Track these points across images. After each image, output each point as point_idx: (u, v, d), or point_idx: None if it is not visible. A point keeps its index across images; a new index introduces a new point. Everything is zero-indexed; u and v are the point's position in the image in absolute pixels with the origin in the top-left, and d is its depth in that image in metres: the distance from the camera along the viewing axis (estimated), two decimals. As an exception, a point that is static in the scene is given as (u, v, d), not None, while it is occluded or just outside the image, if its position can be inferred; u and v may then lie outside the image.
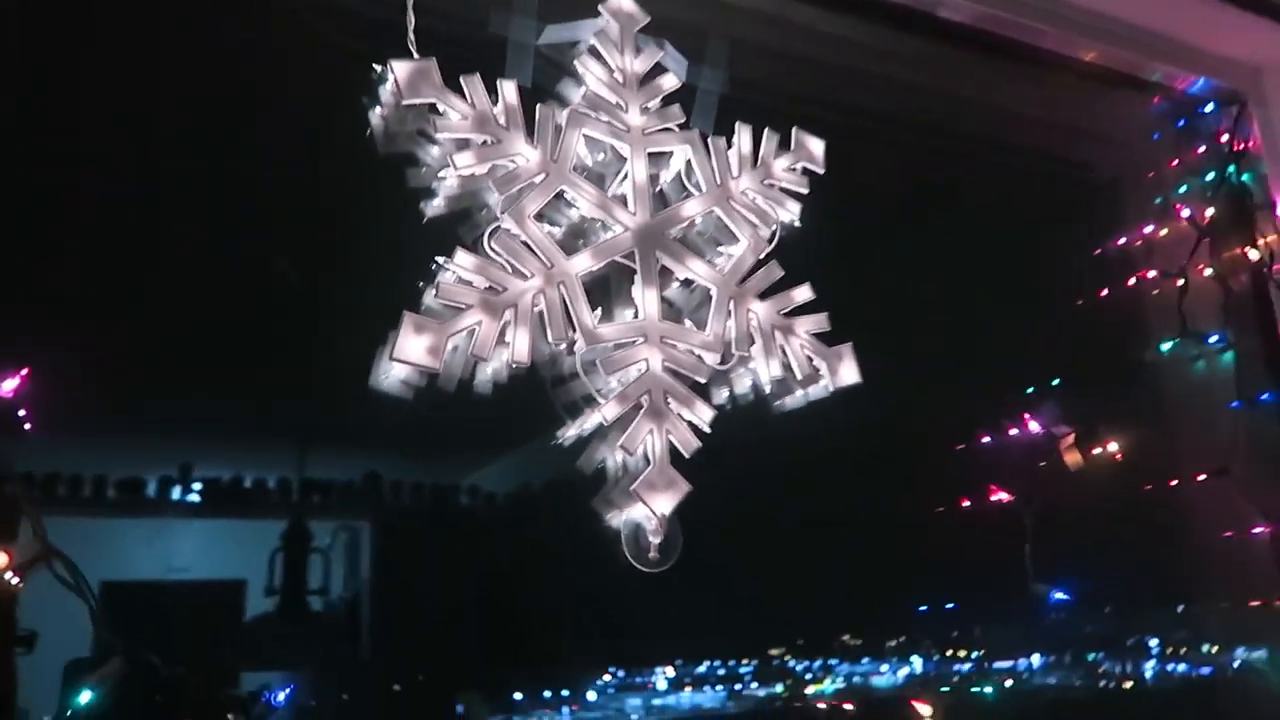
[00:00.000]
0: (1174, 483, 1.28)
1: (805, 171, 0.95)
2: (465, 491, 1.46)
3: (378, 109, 0.81)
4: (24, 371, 0.77)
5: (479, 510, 1.44)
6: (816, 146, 0.96)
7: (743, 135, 0.92)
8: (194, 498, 1.50)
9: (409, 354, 0.74)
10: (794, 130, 0.95)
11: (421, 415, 0.94)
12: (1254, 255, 1.32)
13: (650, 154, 0.88)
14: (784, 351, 0.88)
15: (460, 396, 0.79)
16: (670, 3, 0.95)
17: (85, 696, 0.86)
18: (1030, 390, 1.11)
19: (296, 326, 1.18)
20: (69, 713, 0.85)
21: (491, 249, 0.78)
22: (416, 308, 0.76)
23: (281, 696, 1.12)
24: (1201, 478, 1.26)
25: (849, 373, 0.90)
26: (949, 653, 0.98)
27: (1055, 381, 1.15)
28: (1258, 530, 1.24)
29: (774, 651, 1.14)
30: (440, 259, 0.78)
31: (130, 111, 0.92)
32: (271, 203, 0.93)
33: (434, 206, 0.83)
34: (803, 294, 0.90)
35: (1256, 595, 1.21)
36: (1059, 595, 0.92)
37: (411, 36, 0.80)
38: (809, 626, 0.96)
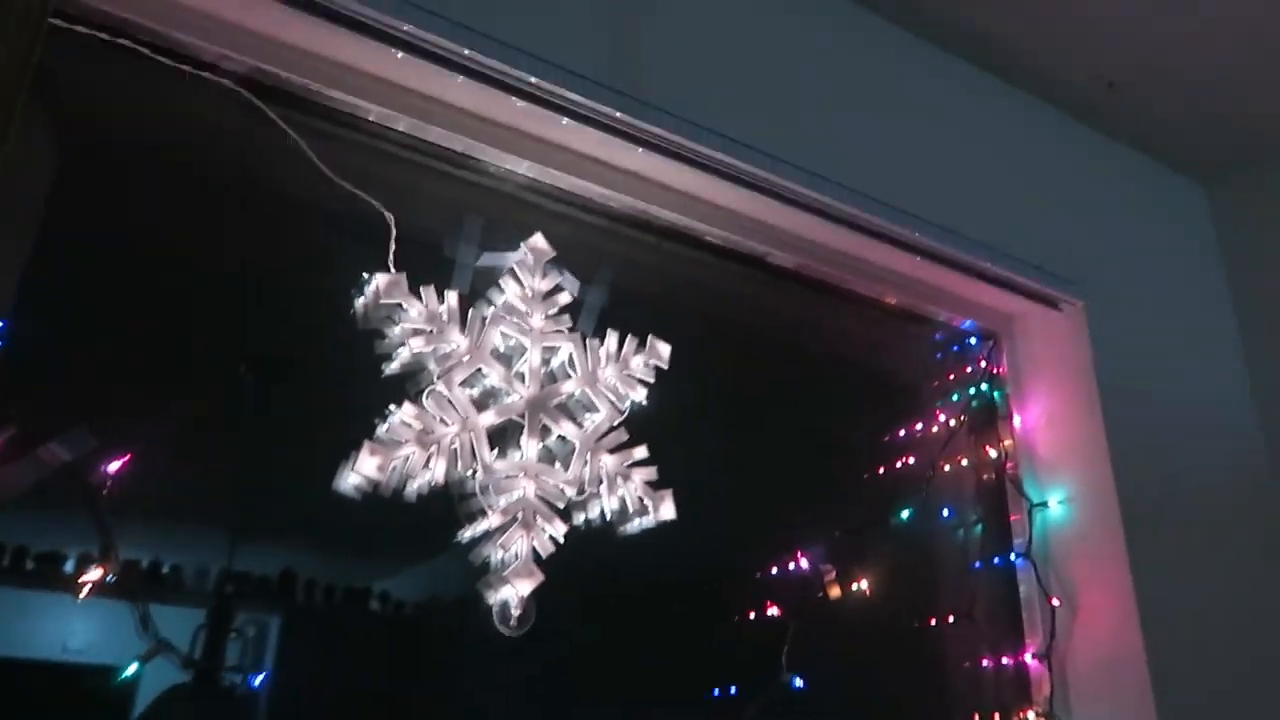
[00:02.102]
0: (932, 621, 1.69)
1: (654, 367, 1.36)
2: (376, 596, 1.59)
3: (362, 299, 1.19)
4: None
5: (387, 615, 1.59)
6: (664, 349, 1.36)
7: (610, 339, 1.33)
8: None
9: (364, 469, 1.10)
10: (649, 337, 1.36)
11: (341, 522, 1.26)
12: (993, 454, 1.77)
13: (545, 347, 1.28)
14: (622, 491, 1.27)
15: (382, 509, 1.13)
16: (573, 239, 1.37)
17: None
18: (812, 537, 1.51)
19: (249, 435, 1.46)
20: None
21: (426, 403, 1.16)
22: (371, 435, 1.13)
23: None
24: (951, 620, 1.67)
25: (668, 510, 1.28)
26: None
27: (834, 533, 1.54)
28: (986, 662, 1.64)
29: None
30: (391, 406, 1.15)
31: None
32: (272, 346, 1.28)
33: (391, 368, 1.20)
34: (640, 452, 1.28)
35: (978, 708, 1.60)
36: (798, 682, 1.31)
37: (391, 256, 1.20)
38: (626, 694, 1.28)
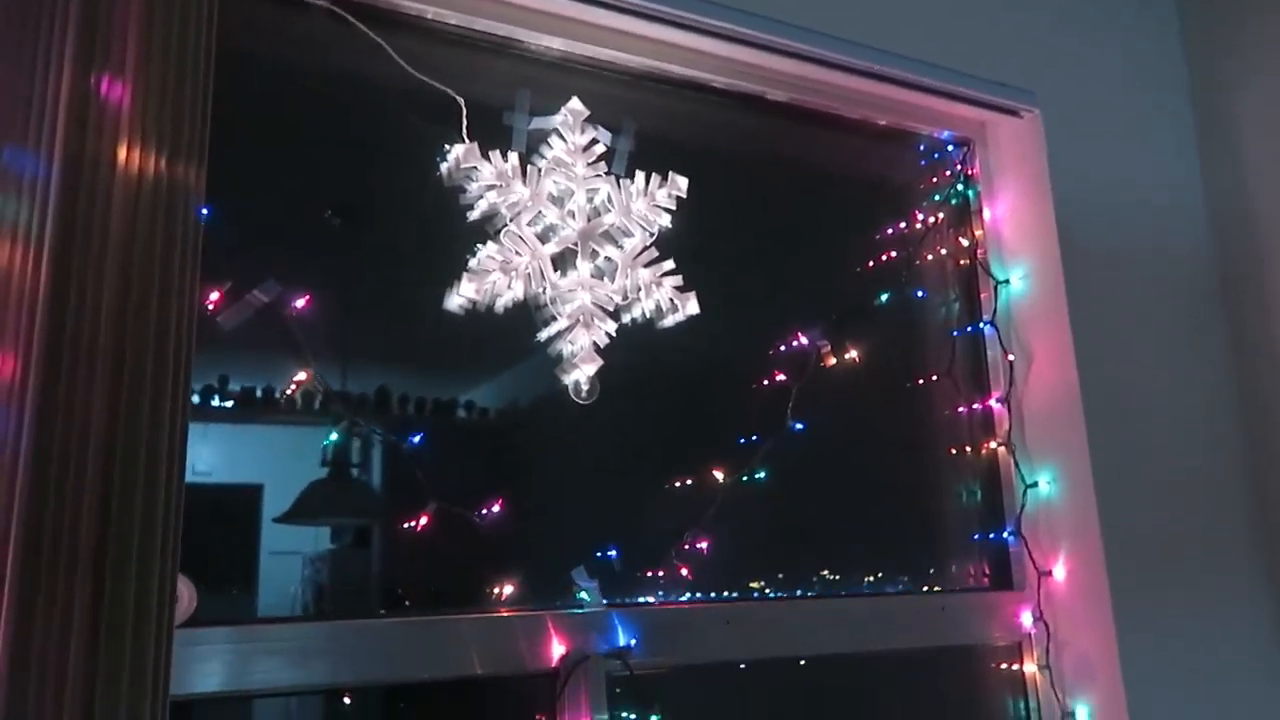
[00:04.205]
0: (920, 381, 2.09)
1: (675, 196, 1.72)
2: (461, 406, 1.75)
3: (445, 165, 1.57)
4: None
5: (471, 420, 1.75)
6: (682, 182, 1.72)
7: (639, 178, 1.69)
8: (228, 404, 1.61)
9: (465, 292, 1.51)
10: (670, 173, 1.72)
11: (428, 343, 1.65)
12: (966, 243, 2.12)
13: (588, 189, 1.65)
14: (656, 296, 1.66)
15: (459, 331, 1.50)
16: (603, 99, 1.71)
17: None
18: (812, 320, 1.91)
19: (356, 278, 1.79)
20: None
21: (503, 240, 1.55)
22: (460, 269, 1.53)
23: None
24: (934, 378, 2.07)
25: (693, 307, 1.68)
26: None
27: (833, 316, 1.94)
28: (961, 409, 2.05)
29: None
30: (478, 245, 1.54)
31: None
32: (379, 210, 1.66)
33: (473, 215, 1.59)
34: (669, 264, 1.67)
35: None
36: (798, 426, 1.76)
37: (465, 129, 1.56)
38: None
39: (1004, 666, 1.93)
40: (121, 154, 1.13)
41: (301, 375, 1.43)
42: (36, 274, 1.07)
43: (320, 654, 1.31)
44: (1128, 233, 2.10)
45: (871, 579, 1.89)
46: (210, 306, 1.36)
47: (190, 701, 1.21)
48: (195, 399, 1.34)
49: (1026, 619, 1.90)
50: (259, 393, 1.47)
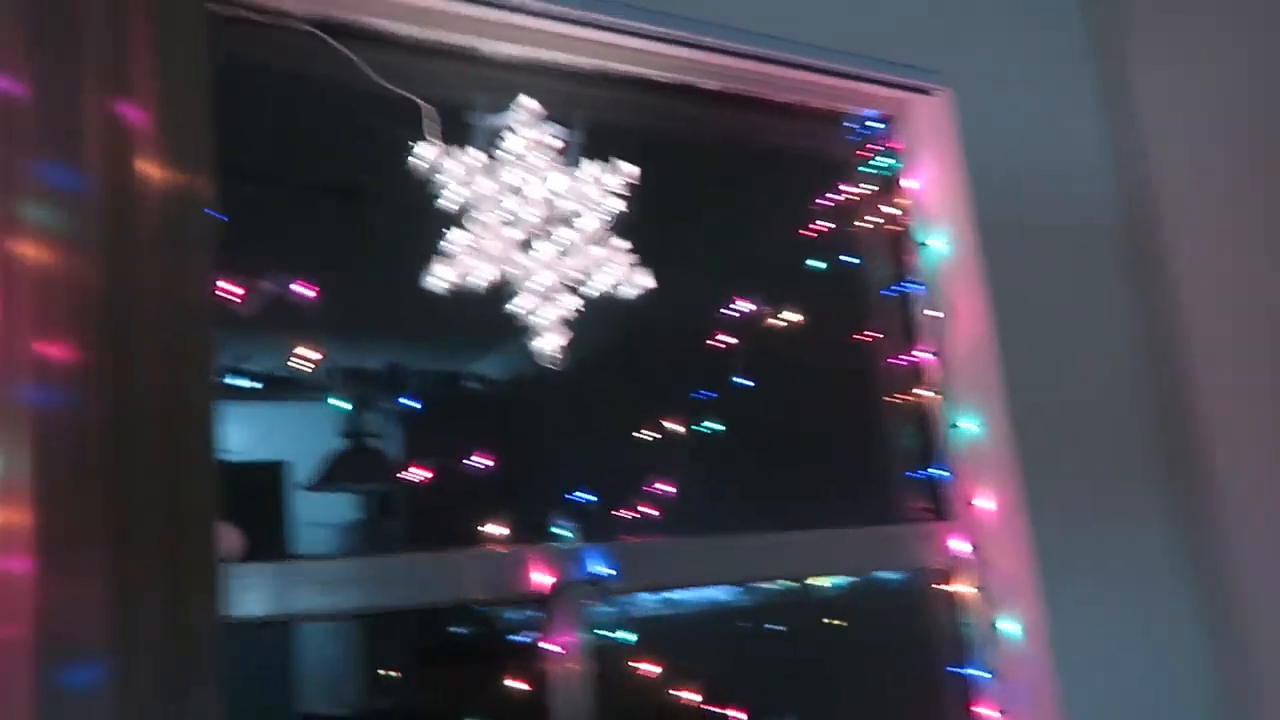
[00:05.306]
0: (856, 337, 2.31)
1: (625, 182, 1.92)
2: (465, 377, 2.01)
3: (417, 160, 1.75)
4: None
5: (481, 391, 2.01)
6: (630, 169, 1.93)
7: (590, 167, 1.89)
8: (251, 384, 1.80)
9: (439, 274, 1.70)
10: (616, 160, 1.92)
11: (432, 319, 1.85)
12: (893, 211, 2.34)
13: (545, 178, 1.84)
14: (614, 272, 1.86)
15: (455, 309, 1.72)
16: (554, 96, 1.90)
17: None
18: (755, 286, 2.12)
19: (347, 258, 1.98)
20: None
21: (473, 228, 1.75)
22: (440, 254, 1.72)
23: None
24: (870, 335, 2.29)
25: (648, 280, 1.88)
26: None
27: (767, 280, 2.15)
28: (894, 360, 2.27)
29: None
30: (448, 231, 1.73)
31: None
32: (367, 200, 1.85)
33: (443, 204, 1.78)
34: (622, 243, 1.88)
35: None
36: (747, 383, 1.99)
37: (434, 130, 1.75)
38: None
39: (941, 587, 2.15)
40: (144, 167, 1.35)
41: (316, 355, 1.62)
42: (85, 272, 1.27)
43: (350, 583, 1.55)
44: (1038, 197, 2.32)
45: (819, 515, 2.11)
46: (225, 295, 1.55)
47: (249, 624, 1.44)
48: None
49: (959, 545, 2.13)
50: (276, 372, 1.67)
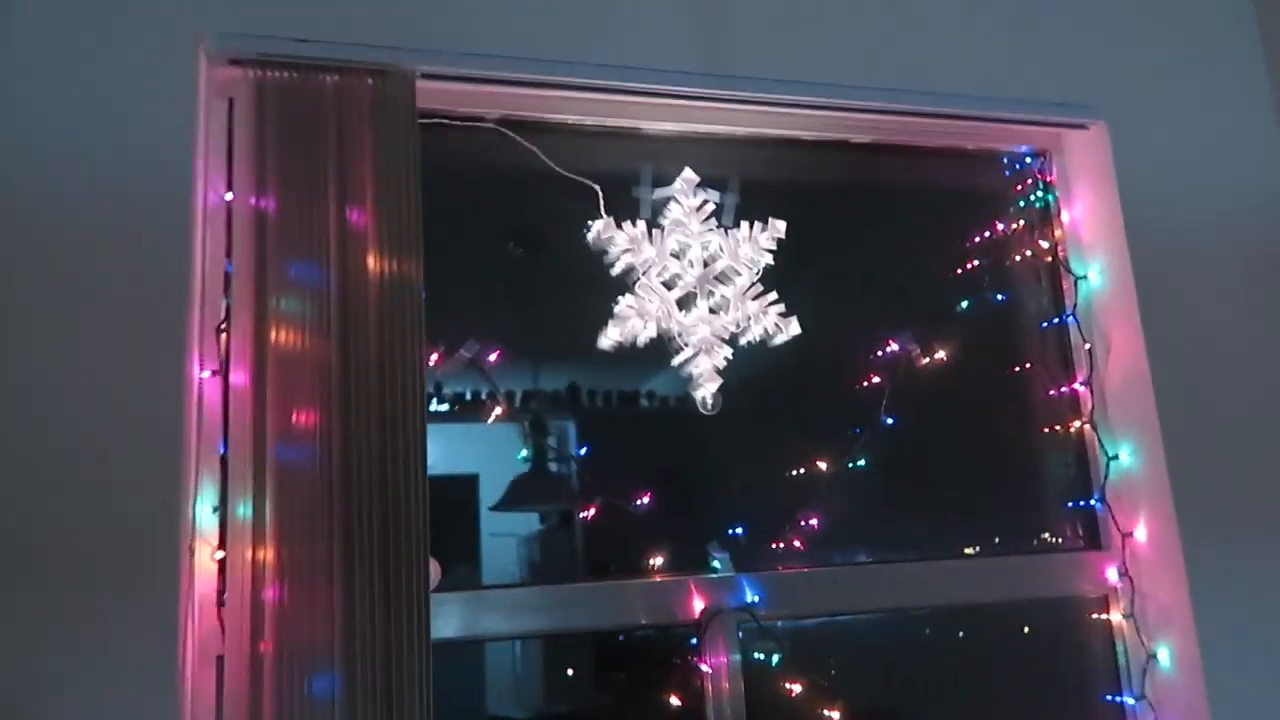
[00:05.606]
0: (1015, 369, 2.39)
1: (775, 238, 2.10)
2: (644, 395, 2.18)
3: (590, 234, 2.01)
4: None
5: (654, 407, 2.17)
6: (780, 225, 2.10)
7: (744, 227, 2.09)
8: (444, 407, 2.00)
9: (611, 335, 1.96)
10: (770, 219, 2.11)
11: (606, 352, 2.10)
12: (1046, 244, 2.40)
13: (702, 242, 2.06)
14: (764, 322, 2.06)
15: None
16: (711, 163, 2.11)
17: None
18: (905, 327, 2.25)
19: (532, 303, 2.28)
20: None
21: (638, 291, 1.99)
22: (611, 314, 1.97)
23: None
24: (1029, 365, 2.37)
25: (795, 328, 2.06)
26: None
27: (917, 320, 2.27)
28: (1051, 391, 2.34)
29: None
30: (619, 296, 1.98)
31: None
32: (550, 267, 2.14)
33: (615, 271, 2.03)
34: (773, 295, 2.06)
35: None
36: (888, 421, 2.12)
37: (602, 207, 2.00)
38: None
39: (1095, 616, 2.22)
40: (370, 262, 1.68)
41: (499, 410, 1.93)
42: (322, 350, 1.62)
43: (532, 610, 1.85)
44: (1196, 224, 2.30)
45: (975, 547, 2.22)
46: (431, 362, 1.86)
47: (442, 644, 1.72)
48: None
49: (1112, 574, 2.18)
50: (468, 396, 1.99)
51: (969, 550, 2.22)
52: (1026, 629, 2.26)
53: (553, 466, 2.14)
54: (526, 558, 2.16)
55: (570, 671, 2.08)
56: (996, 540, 2.25)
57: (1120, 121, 2.29)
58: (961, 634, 2.24)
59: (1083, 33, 2.36)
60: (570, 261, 2.08)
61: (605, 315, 1.97)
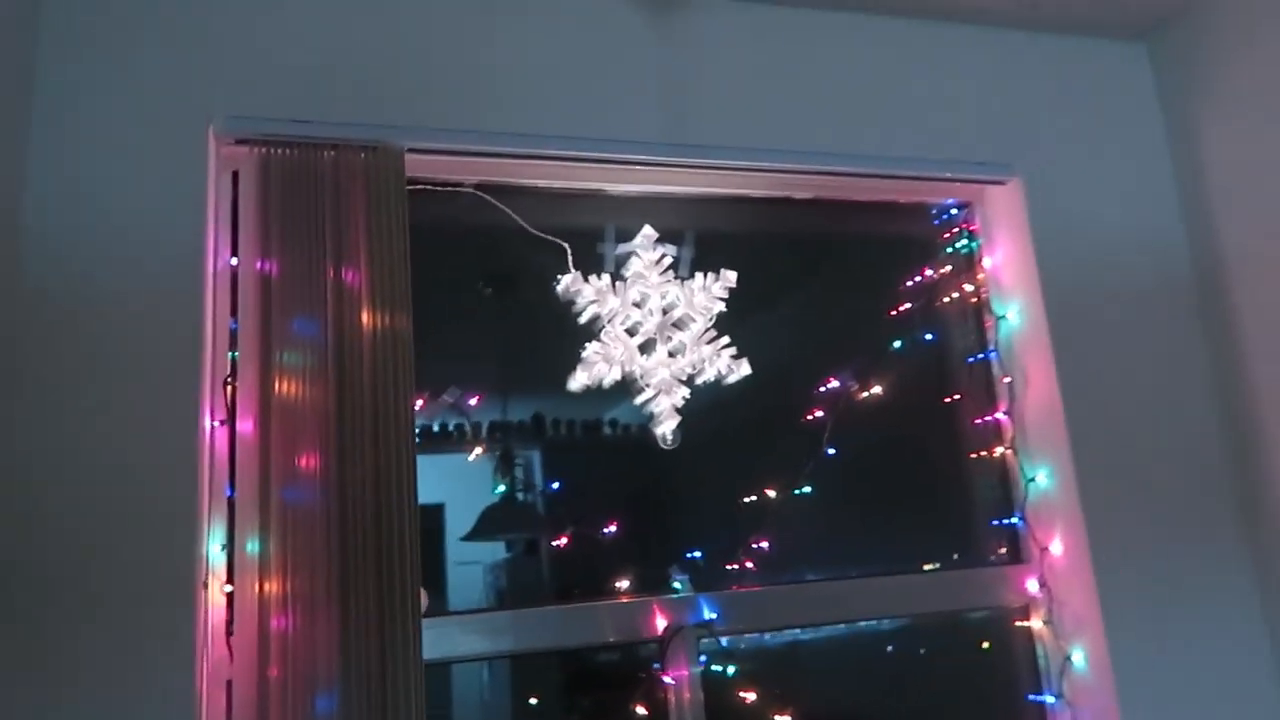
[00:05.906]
0: (945, 400, 2.64)
1: (726, 288, 2.33)
2: (606, 424, 2.36)
3: (559, 286, 2.22)
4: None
5: (617, 436, 2.34)
6: (731, 275, 2.33)
7: (699, 277, 2.31)
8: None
9: (579, 379, 2.16)
10: (722, 270, 2.33)
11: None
12: (970, 287, 2.65)
13: (661, 292, 2.27)
14: (718, 364, 2.28)
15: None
16: (667, 219, 2.33)
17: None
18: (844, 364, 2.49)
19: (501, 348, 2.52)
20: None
21: (604, 338, 2.20)
22: (579, 360, 2.18)
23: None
24: (958, 397, 2.62)
25: (745, 369, 2.28)
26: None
27: (856, 358, 2.51)
28: (976, 420, 2.59)
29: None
30: (587, 343, 2.19)
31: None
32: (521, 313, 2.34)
33: (582, 319, 2.23)
34: (725, 340, 2.29)
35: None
36: (830, 451, 2.35)
37: (570, 262, 2.21)
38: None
39: (1018, 623, 2.46)
40: (364, 317, 1.87)
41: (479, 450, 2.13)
42: (321, 399, 1.80)
43: (503, 632, 2.04)
44: (1102, 268, 2.57)
45: (912, 563, 2.45)
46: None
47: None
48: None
49: (1033, 585, 2.43)
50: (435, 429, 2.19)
51: (906, 567, 2.45)
52: (958, 637, 2.50)
53: (519, 496, 2.33)
54: (493, 584, 2.34)
55: (541, 685, 2.27)
56: (931, 556, 2.48)
57: (1033, 177, 2.56)
58: (900, 643, 2.48)
59: (1000, 99, 2.62)
60: (538, 309, 2.29)
61: (569, 351, 2.18)
